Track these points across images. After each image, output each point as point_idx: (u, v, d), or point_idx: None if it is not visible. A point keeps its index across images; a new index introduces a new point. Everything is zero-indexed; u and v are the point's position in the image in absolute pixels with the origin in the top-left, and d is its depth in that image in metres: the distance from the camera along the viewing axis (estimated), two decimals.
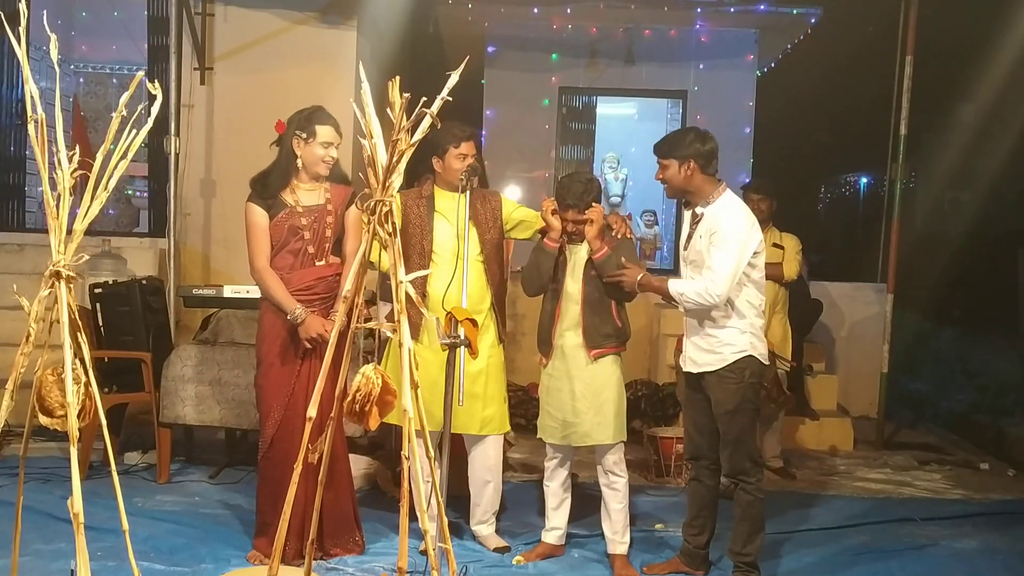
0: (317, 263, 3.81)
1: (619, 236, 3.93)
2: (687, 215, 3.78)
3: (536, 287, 3.95)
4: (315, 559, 3.64)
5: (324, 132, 3.74)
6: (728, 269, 3.49)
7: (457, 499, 4.27)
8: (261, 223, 3.75)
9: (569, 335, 3.88)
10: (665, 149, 3.68)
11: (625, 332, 3.93)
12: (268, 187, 3.78)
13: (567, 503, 4.04)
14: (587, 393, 3.83)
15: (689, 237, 3.71)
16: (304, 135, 3.73)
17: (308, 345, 3.74)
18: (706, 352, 3.65)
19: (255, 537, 3.93)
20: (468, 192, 3.75)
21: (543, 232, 3.98)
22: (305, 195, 3.81)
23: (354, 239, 3.87)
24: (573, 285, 3.88)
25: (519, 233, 4.13)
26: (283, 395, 3.76)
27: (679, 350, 5.63)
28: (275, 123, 3.88)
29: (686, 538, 3.91)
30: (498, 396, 4.01)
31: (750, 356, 3.61)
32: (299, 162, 3.77)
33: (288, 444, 3.72)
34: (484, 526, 4.11)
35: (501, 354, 4.05)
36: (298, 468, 2.20)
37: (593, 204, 3.80)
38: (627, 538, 3.95)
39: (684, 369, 3.77)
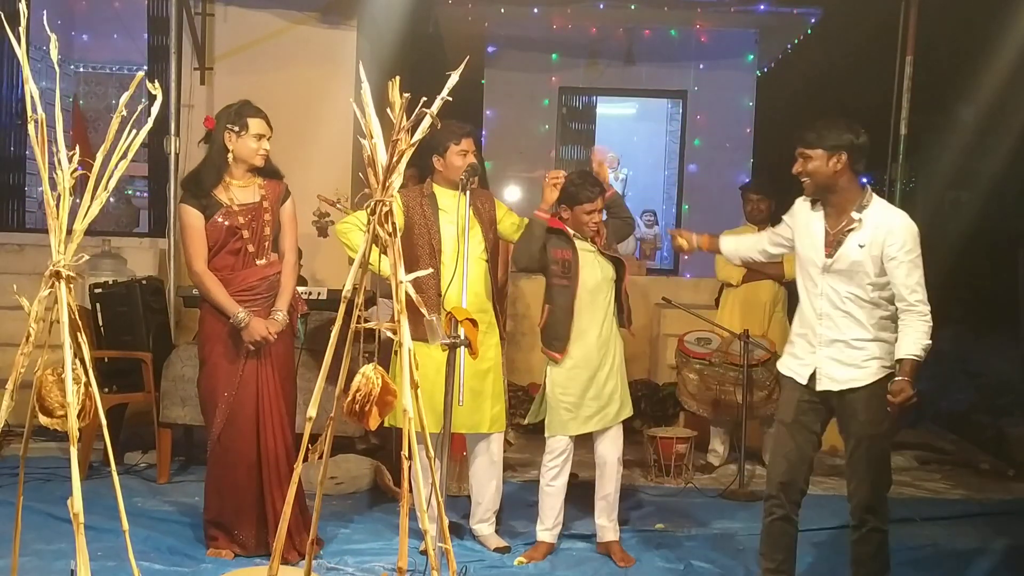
0: (258, 262, 3.80)
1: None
2: (809, 215, 3.40)
3: (527, 257, 3.95)
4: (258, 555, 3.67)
5: (256, 124, 3.74)
6: (923, 281, 3.17)
7: (456, 499, 4.27)
8: (196, 224, 3.72)
9: (596, 322, 3.97)
10: (812, 138, 3.28)
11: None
12: (202, 185, 3.74)
13: (562, 500, 4.07)
14: (617, 374, 4.01)
15: (834, 244, 3.28)
16: (236, 128, 3.72)
17: (252, 348, 3.73)
18: (850, 367, 3.27)
19: (206, 535, 3.90)
20: (468, 192, 3.76)
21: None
22: (240, 192, 3.77)
23: (290, 235, 3.90)
24: (592, 277, 3.95)
25: (507, 236, 4.17)
26: (227, 395, 3.76)
27: (681, 349, 5.68)
28: (204, 119, 3.89)
29: None
30: (502, 393, 4.07)
31: (892, 372, 3.24)
32: (231, 156, 3.75)
33: (236, 443, 3.76)
34: (485, 525, 4.11)
35: (502, 352, 4.10)
36: (298, 468, 2.19)
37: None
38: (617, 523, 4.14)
39: (819, 388, 3.32)
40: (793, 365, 3.42)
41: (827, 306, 3.32)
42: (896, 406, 3.15)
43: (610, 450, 4.02)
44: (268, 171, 3.86)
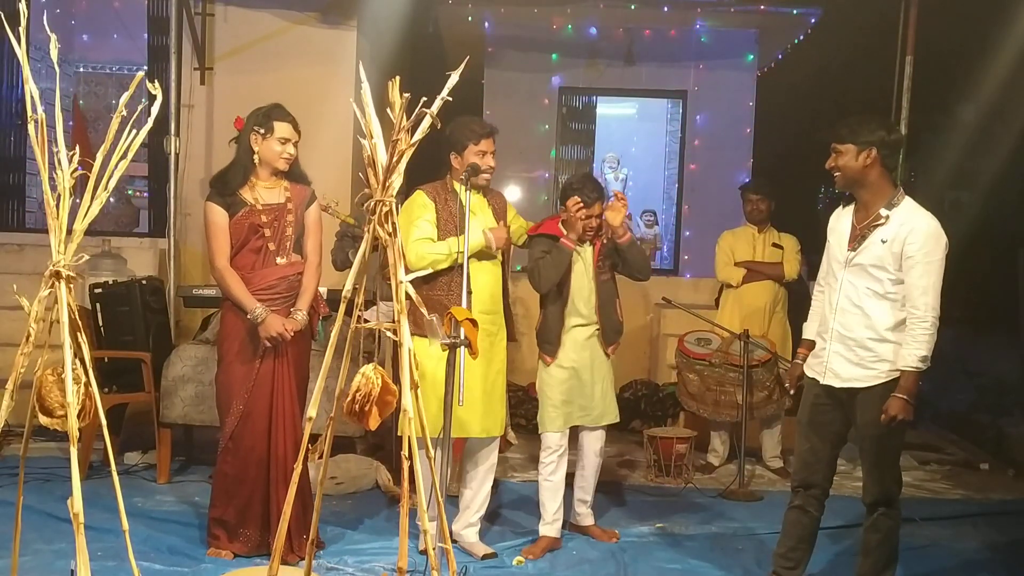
0: (279, 261, 3.82)
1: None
2: (839, 214, 3.43)
3: (548, 284, 4.02)
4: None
5: (282, 128, 3.77)
6: (938, 289, 3.20)
7: (455, 499, 4.27)
8: (221, 222, 3.76)
9: (581, 331, 4.08)
10: (844, 133, 3.29)
11: (623, 327, 4.24)
12: (228, 184, 3.78)
13: (561, 494, 4.10)
14: (603, 380, 4.15)
15: (858, 239, 3.31)
16: (262, 131, 3.76)
17: (268, 344, 3.75)
18: (856, 366, 3.30)
19: (209, 534, 3.91)
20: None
21: (535, 234, 4.08)
22: (265, 192, 3.81)
23: (314, 238, 3.93)
24: (582, 283, 4.05)
25: (512, 238, 4.17)
26: (243, 393, 3.78)
27: (681, 350, 5.68)
28: (235, 120, 3.92)
29: (777, 569, 3.57)
30: (504, 396, 4.08)
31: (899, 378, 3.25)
32: (256, 158, 3.79)
33: (249, 441, 3.78)
34: (472, 531, 4.04)
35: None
36: (298, 468, 2.19)
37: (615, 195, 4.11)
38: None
39: (823, 382, 3.39)
40: (813, 364, 3.48)
41: (844, 301, 3.35)
42: (885, 423, 3.21)
43: (591, 445, 4.20)
44: (295, 175, 3.89)
